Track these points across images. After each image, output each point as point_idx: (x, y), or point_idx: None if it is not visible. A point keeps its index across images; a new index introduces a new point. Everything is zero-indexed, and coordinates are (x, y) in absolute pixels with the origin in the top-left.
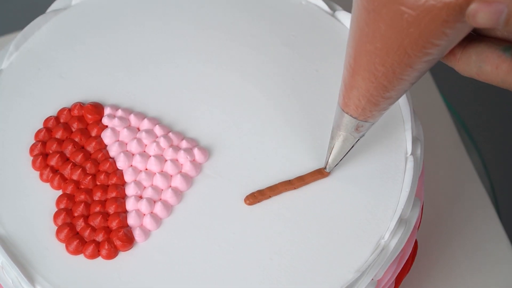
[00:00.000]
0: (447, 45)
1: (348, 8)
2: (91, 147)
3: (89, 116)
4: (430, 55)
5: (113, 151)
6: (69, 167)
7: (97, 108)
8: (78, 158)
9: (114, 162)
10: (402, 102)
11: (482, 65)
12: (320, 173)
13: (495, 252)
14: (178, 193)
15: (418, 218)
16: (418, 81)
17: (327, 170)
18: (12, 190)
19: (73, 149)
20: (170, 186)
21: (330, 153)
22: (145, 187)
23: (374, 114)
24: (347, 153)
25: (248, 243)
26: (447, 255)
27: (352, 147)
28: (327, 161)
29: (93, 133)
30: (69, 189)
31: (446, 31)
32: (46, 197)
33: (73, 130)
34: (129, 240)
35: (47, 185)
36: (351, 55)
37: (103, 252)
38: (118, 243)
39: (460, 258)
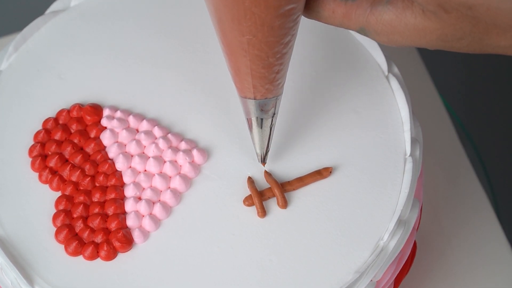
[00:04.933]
0: None
1: None
2: (90, 148)
3: (88, 117)
4: (277, 8)
5: (112, 152)
6: (68, 168)
7: (96, 109)
8: (77, 159)
9: (113, 163)
10: (401, 104)
11: (320, 11)
12: (319, 174)
13: (494, 253)
14: (177, 194)
15: (417, 219)
16: (417, 82)
17: (261, 161)
18: (11, 191)
19: (72, 150)
20: (169, 187)
21: (254, 143)
22: (144, 188)
23: (269, 88)
24: (270, 137)
25: (247, 244)
26: (446, 256)
27: (272, 130)
28: (256, 152)
29: (92, 134)
30: (68, 190)
31: None
32: (45, 198)
33: (72, 131)
34: (128, 241)
35: (46, 186)
36: (219, 40)
37: (102, 253)
38: (117, 244)
39: (459, 259)
